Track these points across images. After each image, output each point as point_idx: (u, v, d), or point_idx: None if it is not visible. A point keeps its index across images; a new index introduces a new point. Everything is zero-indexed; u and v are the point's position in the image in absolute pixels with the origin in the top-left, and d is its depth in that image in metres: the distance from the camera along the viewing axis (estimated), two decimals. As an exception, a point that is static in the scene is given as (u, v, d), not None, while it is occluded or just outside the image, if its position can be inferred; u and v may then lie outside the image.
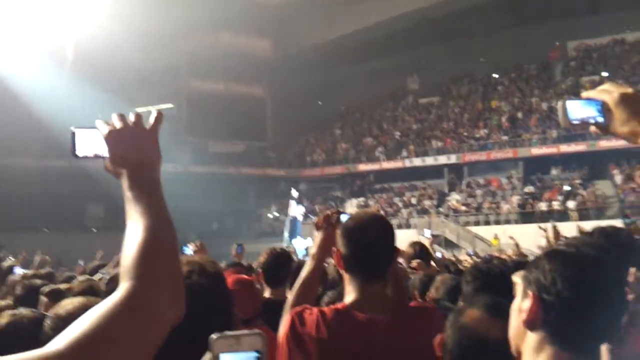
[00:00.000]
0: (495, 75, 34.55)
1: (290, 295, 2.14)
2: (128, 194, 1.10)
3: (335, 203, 30.23)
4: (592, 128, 1.30)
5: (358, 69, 34.83)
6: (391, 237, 1.91)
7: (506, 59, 33.58)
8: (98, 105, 25.27)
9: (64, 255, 17.05)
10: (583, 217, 22.02)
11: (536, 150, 27.53)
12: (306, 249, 15.10)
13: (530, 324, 1.12)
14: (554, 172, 27.53)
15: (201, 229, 24.68)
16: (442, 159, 30.10)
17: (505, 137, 28.91)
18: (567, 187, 25.36)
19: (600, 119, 1.27)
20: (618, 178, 24.71)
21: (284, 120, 36.24)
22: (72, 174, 23.78)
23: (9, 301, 2.73)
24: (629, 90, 1.27)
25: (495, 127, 30.11)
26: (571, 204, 24.14)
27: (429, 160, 30.46)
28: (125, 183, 1.12)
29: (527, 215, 24.56)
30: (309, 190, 33.05)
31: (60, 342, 0.83)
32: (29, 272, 5.23)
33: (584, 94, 1.31)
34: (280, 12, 32.53)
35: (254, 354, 0.79)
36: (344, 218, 2.09)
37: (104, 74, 28.21)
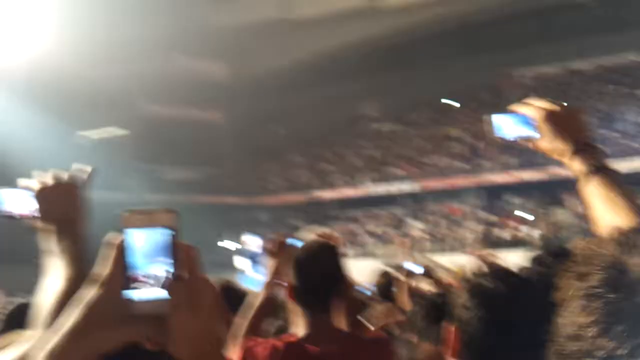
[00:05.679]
0: (451, 103, 34.87)
1: (239, 320, 2.08)
2: (54, 248, 1.10)
3: (296, 232, 29.35)
4: (523, 142, 1.29)
5: (315, 95, 34.45)
6: (340, 267, 1.89)
7: (460, 87, 33.95)
8: (45, 129, 23.90)
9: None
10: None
11: (494, 178, 27.67)
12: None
13: None
14: (510, 199, 27.71)
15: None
16: (401, 186, 29.90)
17: (464, 165, 29.03)
18: (528, 216, 25.57)
19: (536, 135, 1.26)
20: (576, 206, 25.07)
21: (240, 147, 35.29)
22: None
23: None
24: (556, 107, 1.25)
25: (454, 154, 30.26)
26: (534, 233, 24.38)
27: (388, 188, 30.23)
28: (52, 239, 1.12)
29: (490, 244, 24.54)
30: (269, 219, 32.02)
31: None
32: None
33: (513, 107, 1.29)
34: (236, 36, 31.89)
35: (166, 231, 0.74)
36: (297, 243, 2.03)
37: (51, 97, 26.76)
